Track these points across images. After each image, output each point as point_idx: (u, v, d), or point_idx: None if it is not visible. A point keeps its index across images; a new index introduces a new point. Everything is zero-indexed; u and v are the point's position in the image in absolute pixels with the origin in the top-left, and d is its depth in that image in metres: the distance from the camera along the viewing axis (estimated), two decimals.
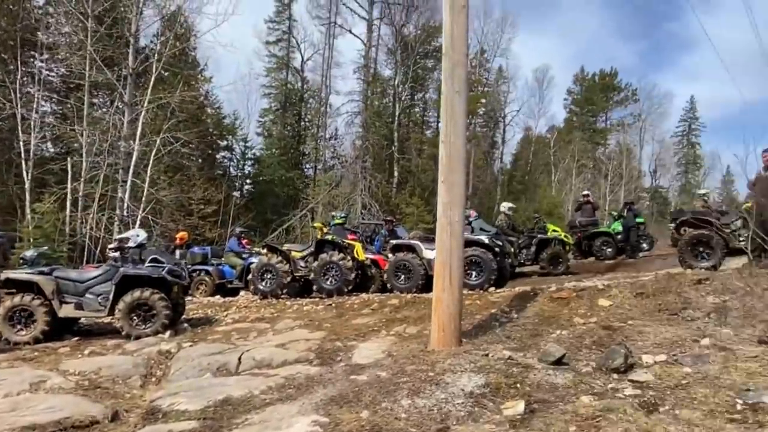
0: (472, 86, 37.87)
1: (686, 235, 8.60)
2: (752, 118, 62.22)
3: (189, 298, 9.64)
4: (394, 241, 10.52)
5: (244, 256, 12.29)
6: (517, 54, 56.22)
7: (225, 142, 33.37)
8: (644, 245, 15.48)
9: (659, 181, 49.37)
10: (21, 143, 18.91)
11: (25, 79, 20.23)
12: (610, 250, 14.61)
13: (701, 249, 8.41)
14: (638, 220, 15.22)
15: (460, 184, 5.69)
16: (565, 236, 13.31)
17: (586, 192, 17.00)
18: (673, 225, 9.83)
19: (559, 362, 4.42)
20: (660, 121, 48.55)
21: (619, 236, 14.65)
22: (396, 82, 33.65)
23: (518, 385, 3.89)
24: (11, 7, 21.40)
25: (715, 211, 10.62)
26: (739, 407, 3.21)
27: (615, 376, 4.06)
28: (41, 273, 7.35)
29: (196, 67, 28.83)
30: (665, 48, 76.07)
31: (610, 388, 3.81)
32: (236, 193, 31.88)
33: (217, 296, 11.31)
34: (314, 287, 10.17)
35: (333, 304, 8.79)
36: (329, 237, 10.39)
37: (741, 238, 7.74)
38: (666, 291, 6.78)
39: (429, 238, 9.94)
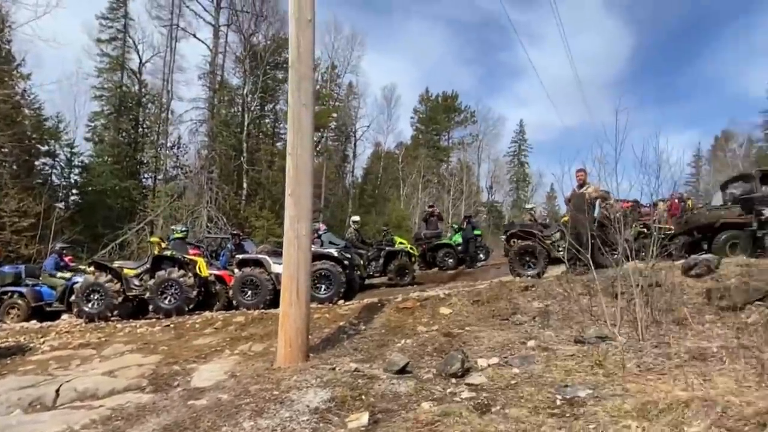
0: (324, 100, 38.22)
1: (515, 246, 9.41)
2: (570, 141, 70.95)
3: None
4: (240, 256, 10.15)
5: (66, 275, 10.91)
6: (367, 71, 58.20)
7: (46, 147, 29.46)
8: (481, 255, 16.69)
9: (494, 196, 54.07)
10: None
11: None
12: (451, 260, 15.55)
13: (528, 259, 9.25)
14: (476, 232, 16.37)
15: (307, 196, 5.66)
16: (411, 248, 13.86)
17: (431, 204, 17.91)
18: (504, 237, 10.72)
19: (402, 371, 4.53)
20: (494, 142, 53.39)
21: (460, 247, 15.67)
22: (245, 92, 32.64)
23: (363, 397, 3.91)
24: None
25: (539, 224, 11.82)
26: (558, 402, 3.50)
27: (453, 380, 4.23)
28: None
29: (10, 62, 25.33)
30: (498, 75, 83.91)
31: (448, 392, 3.96)
32: (60, 205, 28.19)
33: (33, 321, 9.92)
34: (150, 307, 9.40)
35: (171, 325, 8.30)
36: (168, 252, 9.73)
37: (560, 249, 8.61)
38: (498, 298, 7.35)
39: (278, 252, 9.71)
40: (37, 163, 29.03)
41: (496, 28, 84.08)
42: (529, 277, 8.71)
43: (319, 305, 8.51)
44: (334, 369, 4.72)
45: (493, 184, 53.12)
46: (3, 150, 20.28)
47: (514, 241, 9.64)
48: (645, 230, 10.12)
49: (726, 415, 2.93)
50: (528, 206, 19.84)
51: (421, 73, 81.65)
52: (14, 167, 24.17)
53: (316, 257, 8.84)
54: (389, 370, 4.57)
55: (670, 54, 79.82)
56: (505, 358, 4.79)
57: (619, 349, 4.51)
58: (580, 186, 8.88)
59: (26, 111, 27.01)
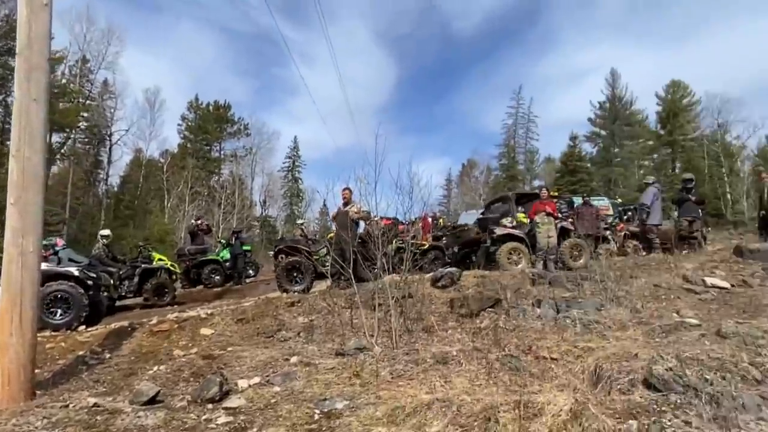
0: (71, 97, 33.62)
1: (282, 262, 9.42)
2: (342, 160, 74.66)
3: None
4: None
5: None
6: (127, 70, 53.14)
7: None
8: (251, 271, 16.40)
9: (268, 210, 53.88)
10: None
11: None
12: (218, 277, 14.94)
13: (295, 274, 9.33)
14: (245, 247, 16.05)
15: (37, 206, 4.81)
16: (172, 265, 12.89)
17: (198, 216, 17.05)
18: (272, 252, 10.67)
19: (152, 401, 4.13)
20: (269, 156, 53.26)
21: (227, 263, 15.14)
22: None
23: None
24: None
25: (309, 240, 12.05)
26: (316, 417, 3.51)
27: (210, 406, 3.98)
28: None
29: None
30: (274, 89, 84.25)
31: (203, 419, 3.70)
32: None
33: None
34: None
35: None
36: None
37: (326, 264, 8.89)
38: (264, 315, 7.22)
39: None
40: None
41: (272, 42, 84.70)
42: (296, 293, 8.78)
43: (54, 333, 7.31)
44: (67, 406, 4.07)
45: (267, 198, 53.04)
46: None
47: (282, 257, 9.64)
48: (403, 245, 11.06)
49: (460, 413, 3.26)
50: (299, 221, 20.16)
51: (190, 79, 77.63)
52: None
53: (51, 277, 7.73)
54: (136, 401, 4.11)
55: (429, 87, 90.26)
56: (267, 376, 4.68)
57: (375, 359, 4.74)
58: (345, 204, 9.29)
59: None
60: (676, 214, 12.36)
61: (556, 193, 14.52)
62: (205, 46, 75.80)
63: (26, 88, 4.75)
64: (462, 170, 58.81)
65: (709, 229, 23.03)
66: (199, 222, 16.38)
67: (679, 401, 3.28)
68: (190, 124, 49.46)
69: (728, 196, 40.67)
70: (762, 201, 11.94)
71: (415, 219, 13.82)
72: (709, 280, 7.44)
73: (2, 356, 4.49)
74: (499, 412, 3.16)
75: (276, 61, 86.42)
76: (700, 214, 12.32)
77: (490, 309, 6.67)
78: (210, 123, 49.59)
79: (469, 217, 18.74)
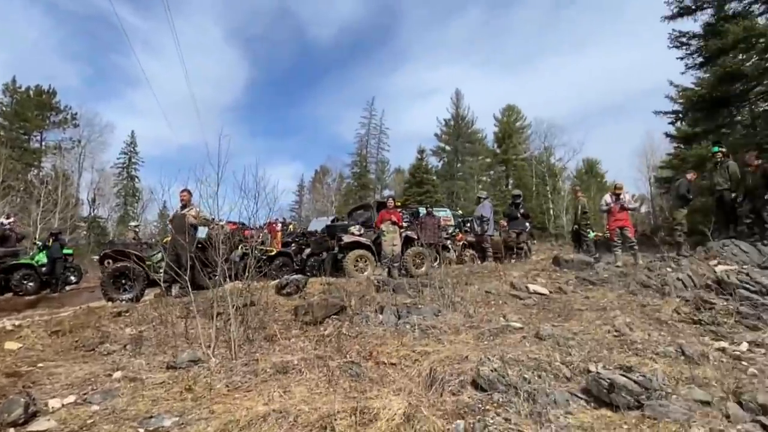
0: None
1: (109, 267, 8.56)
2: (186, 158, 70.33)
3: None
4: None
5: None
6: None
7: None
8: (72, 278, 14.75)
9: (98, 210, 48.79)
10: None
11: None
12: (32, 284, 13.19)
13: (123, 281, 8.52)
14: (66, 251, 14.39)
15: None
16: None
17: (8, 215, 14.93)
18: (98, 257, 9.66)
19: None
20: (100, 150, 47.93)
21: (44, 268, 13.45)
22: None
23: None
24: None
25: (143, 244, 11.13)
26: None
27: (12, 430, 3.52)
28: None
29: None
30: (109, 78, 76.65)
31: None
32: None
33: None
34: None
35: None
36: None
37: (160, 270, 8.27)
38: (85, 326, 6.51)
39: None
40: None
41: (108, 26, 77.36)
42: (124, 302, 8.02)
43: None
44: None
45: (97, 197, 47.98)
46: None
47: (109, 262, 8.75)
48: (249, 251, 10.71)
49: (297, 423, 3.20)
50: (132, 223, 18.56)
51: (6, 57, 67.90)
52: None
53: None
54: None
55: (283, 91, 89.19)
56: (85, 394, 4.21)
57: (210, 371, 4.49)
58: (183, 207, 8.84)
59: None
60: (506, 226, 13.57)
61: (399, 204, 15.17)
62: (26, 22, 66.80)
63: None
64: (315, 176, 58.99)
65: (535, 241, 25.78)
66: (10, 221, 14.34)
67: (501, 400, 3.55)
68: (5, 108, 43.02)
69: (551, 211, 45.91)
70: (576, 216, 13.58)
71: (263, 224, 13.58)
72: (531, 287, 8.25)
73: None
74: (336, 419, 3.16)
75: (114, 48, 79.20)
76: (527, 227, 13.68)
77: (334, 316, 6.70)
78: (30, 109, 43.30)
79: (319, 224, 18.80)
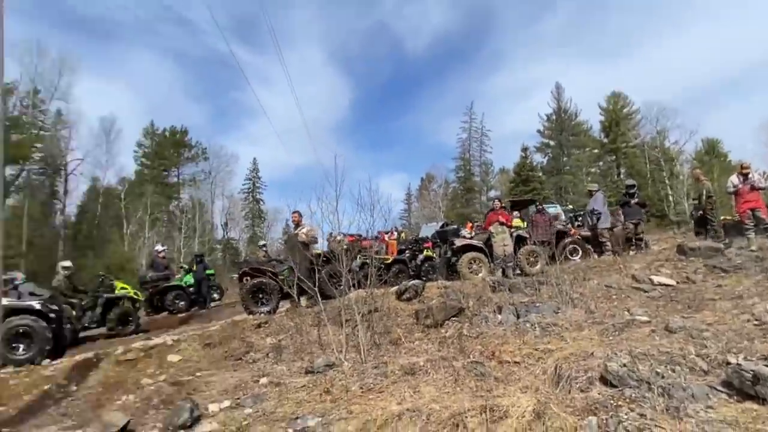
0: (24, 129, 32.64)
1: (248, 283, 9.34)
2: (302, 178, 74.26)
3: None
4: None
5: None
6: (80, 99, 51.49)
7: None
8: (215, 295, 16.16)
9: (230, 233, 53.08)
10: None
11: None
12: (182, 303, 14.68)
13: (260, 296, 9.27)
14: (208, 272, 15.82)
15: None
16: (135, 293, 12.62)
17: (159, 248, 16.73)
18: (236, 276, 10.53)
19: (123, 431, 4.13)
20: (228, 179, 52.42)
21: (191, 288, 14.91)
22: None
23: None
24: None
25: (273, 261, 11.98)
26: None
27: None
28: None
29: None
30: (230, 113, 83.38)
31: None
32: None
33: None
34: None
35: None
36: None
37: (291, 284, 8.93)
38: (232, 338, 7.19)
39: None
40: None
41: (226, 66, 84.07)
42: (263, 314, 8.74)
43: (18, 369, 7.07)
44: None
45: (228, 221, 52.21)
46: None
47: (246, 279, 9.56)
48: (368, 261, 11.17)
49: (430, 421, 3.38)
50: (260, 243, 19.95)
51: (145, 105, 75.97)
52: None
53: (12, 312, 7.48)
54: None
55: (384, 105, 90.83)
56: (238, 399, 4.72)
57: (344, 374, 4.82)
58: (296, 227, 9.49)
59: None
60: (622, 217, 12.81)
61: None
62: (159, 73, 74.48)
63: None
64: (421, 184, 59.22)
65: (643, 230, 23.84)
66: (164, 249, 16.20)
67: (633, 395, 3.47)
68: (146, 150, 48.55)
69: (670, 198, 42.24)
70: (700, 202, 12.53)
71: (379, 234, 14.04)
72: (655, 279, 7.80)
73: None
74: (466, 417, 3.30)
75: (233, 85, 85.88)
76: (644, 217, 12.83)
77: (453, 318, 6.83)
78: (167, 149, 48.82)
79: (429, 230, 19.03)
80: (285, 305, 9.54)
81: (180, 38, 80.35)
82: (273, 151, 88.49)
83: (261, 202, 56.91)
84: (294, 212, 9.40)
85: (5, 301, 6.67)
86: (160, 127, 50.19)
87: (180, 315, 14.02)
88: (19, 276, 9.14)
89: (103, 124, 42.24)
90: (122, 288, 12.20)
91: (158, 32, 76.82)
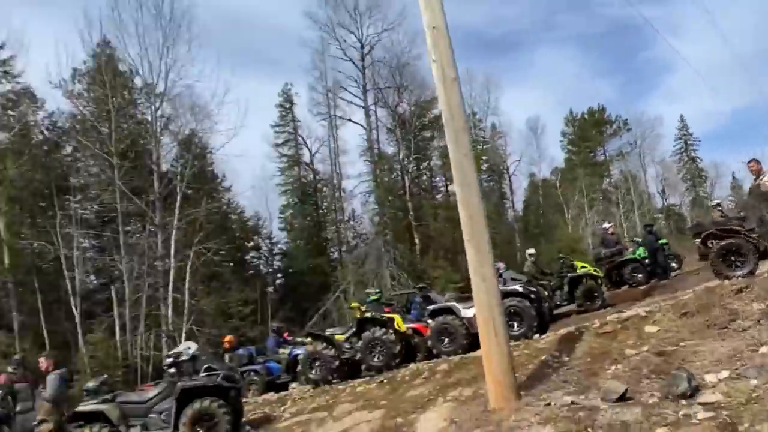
0: (472, 146, 39.19)
1: (715, 246, 8.58)
2: (743, 122, 62.99)
3: (244, 399, 9.59)
4: (431, 307, 10.54)
5: (286, 349, 12.23)
6: (506, 110, 58.21)
7: (252, 243, 35.18)
8: (674, 264, 15.43)
9: (669, 200, 49.39)
10: (67, 281, 19.89)
11: (63, 221, 21.26)
12: (641, 275, 14.48)
13: (733, 258, 8.34)
14: (661, 241, 15.24)
15: (485, 240, 5.71)
16: (595, 270, 13.30)
17: (606, 225, 17.12)
18: (698, 240, 9.78)
19: (623, 398, 4.41)
20: (656, 144, 49.04)
21: (647, 260, 14.62)
22: (401, 157, 35.58)
23: (590, 430, 3.91)
24: (43, 159, 23.50)
25: (735, 219, 10.68)
26: None
27: (683, 402, 4.04)
28: (105, 401, 7.46)
29: (215, 180, 30.61)
30: (644, 76, 77.84)
31: (682, 415, 3.80)
32: (270, 289, 33.28)
33: (270, 393, 11.16)
34: (362, 366, 10.12)
35: (384, 380, 8.60)
36: (368, 314, 10.39)
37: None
38: (710, 306, 6.73)
39: (463, 298, 9.99)
40: (247, 257, 34.63)
41: (627, 31, 78.62)
42: (740, 278, 7.87)
43: (516, 342, 8.47)
44: (549, 404, 4.69)
45: (665, 187, 48.70)
46: (221, 252, 24.44)
47: (712, 242, 8.81)
48: None
49: None
50: (712, 203, 17.89)
51: (559, 96, 78.84)
52: (232, 264, 28.62)
53: (503, 295, 8.81)
54: (607, 398, 4.47)
55: None
56: (737, 370, 4.45)
57: None
58: (756, 176, 8.56)
59: (233, 217, 32.81)
60: None
61: None
62: (563, 62, 76.18)
63: (456, 148, 5.87)
64: None
65: None
66: (610, 225, 16.67)
67: None
68: (570, 137, 50.75)
69: None
70: None
71: None
72: None
73: (489, 365, 5.41)
74: None
75: (639, 47, 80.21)
76: None
77: None
78: (588, 130, 49.79)
79: None
80: (764, 265, 8.40)
81: (574, 22, 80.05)
82: (699, 102, 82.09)
83: (698, 160, 50.96)
84: (750, 161, 8.66)
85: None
86: (578, 112, 51.56)
87: (641, 287, 13.98)
88: (502, 265, 10.98)
89: (530, 125, 47.29)
90: (582, 267, 13.12)
91: (555, 24, 78.66)
